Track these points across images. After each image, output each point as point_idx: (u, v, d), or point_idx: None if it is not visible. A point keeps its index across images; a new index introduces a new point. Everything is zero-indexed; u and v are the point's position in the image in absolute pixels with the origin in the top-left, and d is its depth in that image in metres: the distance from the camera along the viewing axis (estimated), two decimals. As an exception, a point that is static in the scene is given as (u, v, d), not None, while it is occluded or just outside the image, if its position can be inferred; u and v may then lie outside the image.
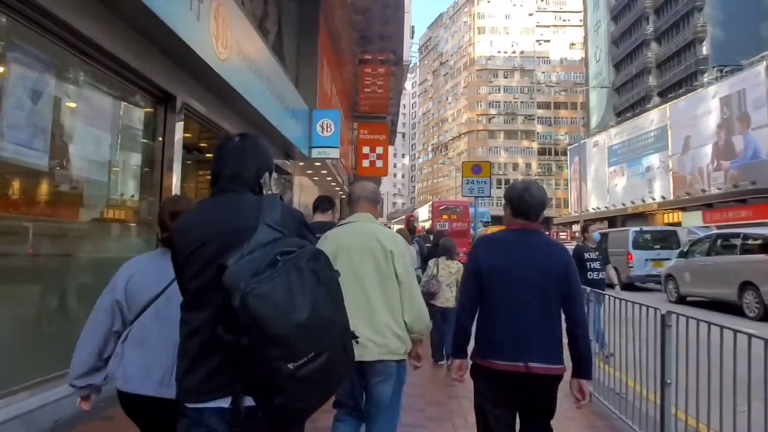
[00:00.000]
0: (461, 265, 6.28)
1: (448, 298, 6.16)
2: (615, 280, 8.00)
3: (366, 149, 21.27)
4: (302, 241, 1.59)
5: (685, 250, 12.70)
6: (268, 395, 1.46)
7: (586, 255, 7.02)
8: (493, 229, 37.25)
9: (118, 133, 5.20)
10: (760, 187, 36.65)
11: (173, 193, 5.42)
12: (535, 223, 2.61)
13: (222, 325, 1.43)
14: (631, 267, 15.35)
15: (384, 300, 2.61)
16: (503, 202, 2.68)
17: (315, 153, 10.81)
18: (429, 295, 5.96)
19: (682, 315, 3.70)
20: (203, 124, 6.62)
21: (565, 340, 2.53)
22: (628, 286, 16.04)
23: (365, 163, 21.25)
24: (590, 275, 6.76)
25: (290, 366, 1.39)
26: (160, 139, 5.56)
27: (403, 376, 2.87)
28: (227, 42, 5.88)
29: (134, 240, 5.42)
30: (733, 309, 10.47)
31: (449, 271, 6.26)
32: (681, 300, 12.27)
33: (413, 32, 29.02)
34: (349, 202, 2.93)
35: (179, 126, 5.66)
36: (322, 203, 4.64)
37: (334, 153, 10.92)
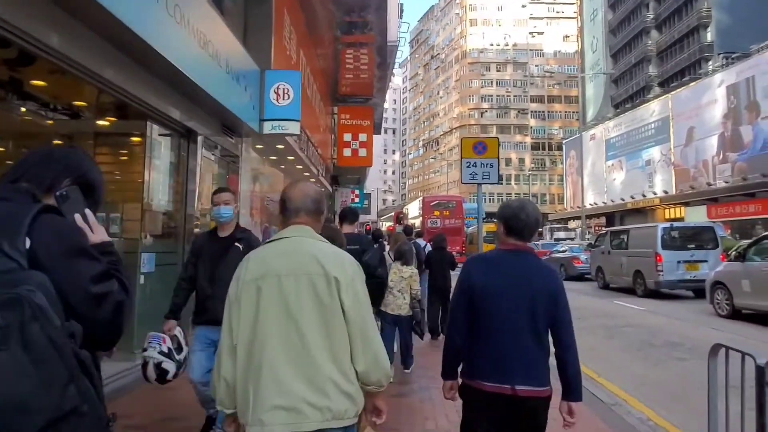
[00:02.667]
0: (415, 270, 6.18)
1: (400, 305, 5.91)
2: None
3: (347, 136, 18.75)
4: (37, 277, 1.18)
5: (741, 251, 10.20)
6: None
7: None
8: (489, 227, 34.81)
9: None
10: (772, 180, 34.47)
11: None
12: (528, 242, 2.58)
13: None
14: (661, 271, 12.85)
15: (327, 345, 1.91)
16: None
17: (268, 127, 8.19)
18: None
19: None
20: (49, 60, 3.95)
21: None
22: (655, 293, 13.59)
23: (347, 152, 18.73)
24: None
25: None
26: None
27: None
28: None
29: None
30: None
31: (401, 276, 5.96)
32: (735, 314, 9.82)
33: (402, 11, 26.57)
34: (283, 211, 2.14)
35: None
36: (349, 215, 5.09)
37: (293, 127, 8.29)
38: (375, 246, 5.43)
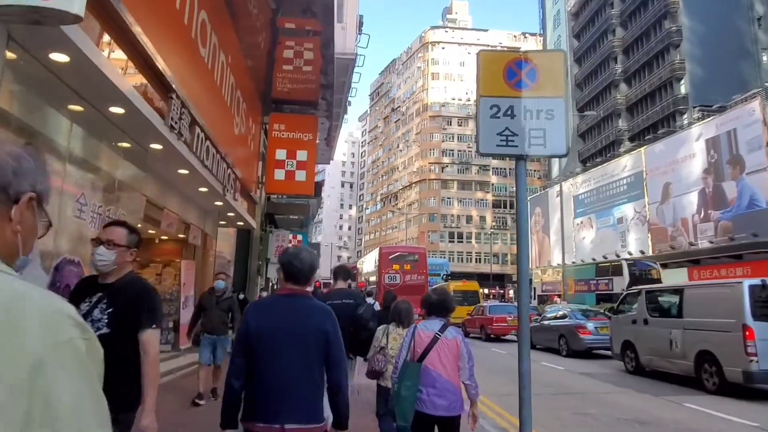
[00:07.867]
0: None
1: None
2: None
3: (281, 153, 13.84)
4: None
5: None
6: None
7: None
8: (457, 285, 30.10)
9: None
10: (763, 240, 31.31)
11: None
12: (305, 287, 2.68)
13: None
14: (754, 354, 8.13)
15: None
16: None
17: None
18: (374, 375, 5.13)
19: None
20: None
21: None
22: (733, 386, 8.79)
23: (279, 173, 13.74)
24: None
25: None
26: None
27: None
28: None
29: None
30: None
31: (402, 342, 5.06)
32: None
33: (361, 24, 22.74)
34: None
35: None
36: (342, 272, 5.33)
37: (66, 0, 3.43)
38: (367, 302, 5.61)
